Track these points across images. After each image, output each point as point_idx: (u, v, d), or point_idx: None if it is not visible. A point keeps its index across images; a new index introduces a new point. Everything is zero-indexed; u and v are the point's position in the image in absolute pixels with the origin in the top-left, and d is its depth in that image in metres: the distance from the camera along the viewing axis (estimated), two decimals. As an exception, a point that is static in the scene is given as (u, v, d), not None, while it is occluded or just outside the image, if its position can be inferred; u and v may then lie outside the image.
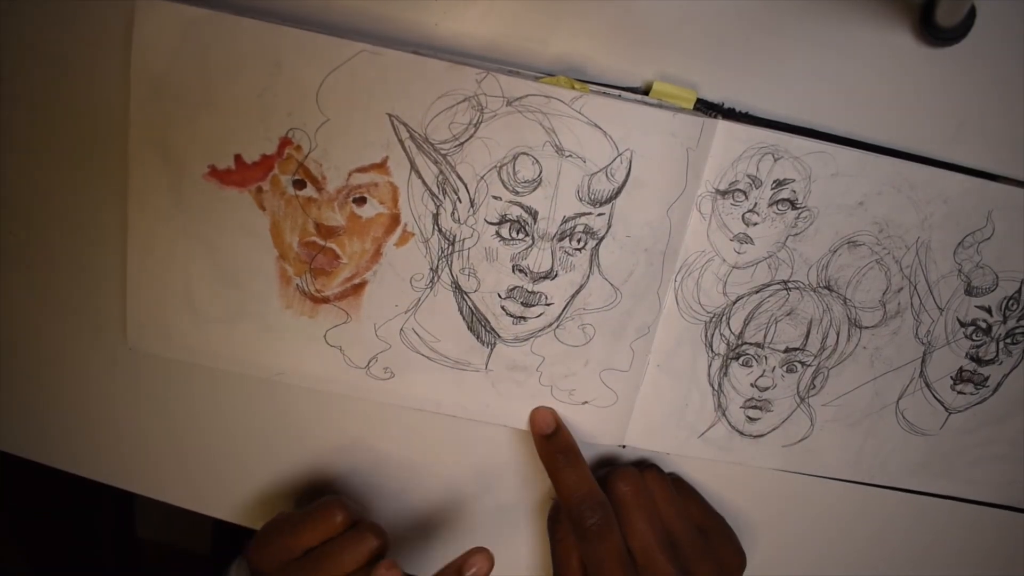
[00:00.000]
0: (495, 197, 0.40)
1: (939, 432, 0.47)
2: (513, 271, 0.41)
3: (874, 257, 0.42)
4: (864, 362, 0.45)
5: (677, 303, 0.43)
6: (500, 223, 0.40)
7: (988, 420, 0.46)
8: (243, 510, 0.49)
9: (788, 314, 0.43)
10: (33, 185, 0.43)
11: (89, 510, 0.93)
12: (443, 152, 0.39)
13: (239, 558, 0.47)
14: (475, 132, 0.39)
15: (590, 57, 0.40)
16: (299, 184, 0.40)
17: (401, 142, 0.39)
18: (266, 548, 0.42)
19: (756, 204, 0.41)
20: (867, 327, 0.44)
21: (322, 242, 0.41)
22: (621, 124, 0.39)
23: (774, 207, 0.41)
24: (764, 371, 0.44)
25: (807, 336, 0.44)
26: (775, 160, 0.40)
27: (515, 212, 0.40)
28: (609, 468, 0.46)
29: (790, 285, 0.43)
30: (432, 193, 0.40)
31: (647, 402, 0.45)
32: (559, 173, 0.39)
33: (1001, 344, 0.45)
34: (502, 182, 0.40)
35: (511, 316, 0.42)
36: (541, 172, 0.39)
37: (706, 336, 0.44)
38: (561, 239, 0.41)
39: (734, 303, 0.43)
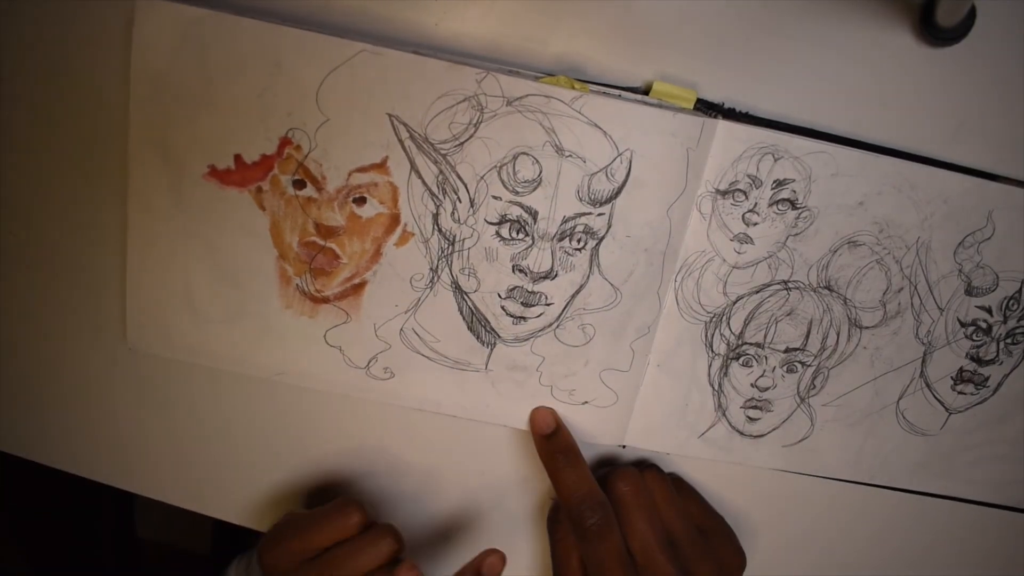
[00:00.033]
0: (495, 197, 0.40)
1: (939, 432, 0.47)
2: (513, 271, 0.41)
3: (874, 257, 0.42)
4: (864, 362, 0.45)
5: (677, 303, 0.43)
6: (500, 223, 0.40)
7: (988, 420, 0.46)
8: (243, 510, 0.49)
9: (788, 314, 0.43)
10: (33, 185, 0.43)
11: (89, 510, 0.93)
12: (443, 152, 0.39)
13: (238, 557, 0.47)
14: (475, 132, 0.39)
15: (590, 57, 0.40)
16: (299, 184, 0.40)
17: (401, 142, 0.39)
18: (280, 547, 0.42)
19: (756, 204, 0.41)
20: (867, 327, 0.44)
21: (322, 242, 0.41)
22: (621, 124, 0.39)
23: (774, 207, 0.41)
24: (764, 371, 0.44)
25: (807, 336, 0.44)
26: (775, 160, 0.40)
27: (515, 212, 0.40)
28: (609, 468, 0.46)
29: (790, 285, 0.43)
30: (432, 193, 0.40)
31: (647, 402, 0.45)
32: (559, 173, 0.39)
33: (1001, 344, 0.45)
34: (502, 182, 0.40)
35: (511, 316, 0.42)
36: (541, 172, 0.39)
37: (706, 336, 0.44)
38: (561, 239, 0.41)
39: (734, 303, 0.43)
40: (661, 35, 0.40)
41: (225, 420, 0.47)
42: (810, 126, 0.41)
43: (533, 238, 0.41)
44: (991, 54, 0.40)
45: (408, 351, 0.43)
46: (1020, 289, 0.43)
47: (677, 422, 0.46)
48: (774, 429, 0.46)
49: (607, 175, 0.39)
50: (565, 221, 0.40)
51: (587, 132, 0.39)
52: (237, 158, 0.40)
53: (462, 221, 0.41)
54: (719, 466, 0.48)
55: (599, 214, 0.40)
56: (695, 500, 0.46)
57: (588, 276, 0.42)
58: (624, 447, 0.47)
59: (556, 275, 0.42)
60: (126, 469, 0.48)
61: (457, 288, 0.42)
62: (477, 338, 0.43)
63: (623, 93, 0.40)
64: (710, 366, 0.44)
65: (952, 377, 0.45)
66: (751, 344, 0.44)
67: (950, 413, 0.46)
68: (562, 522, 0.45)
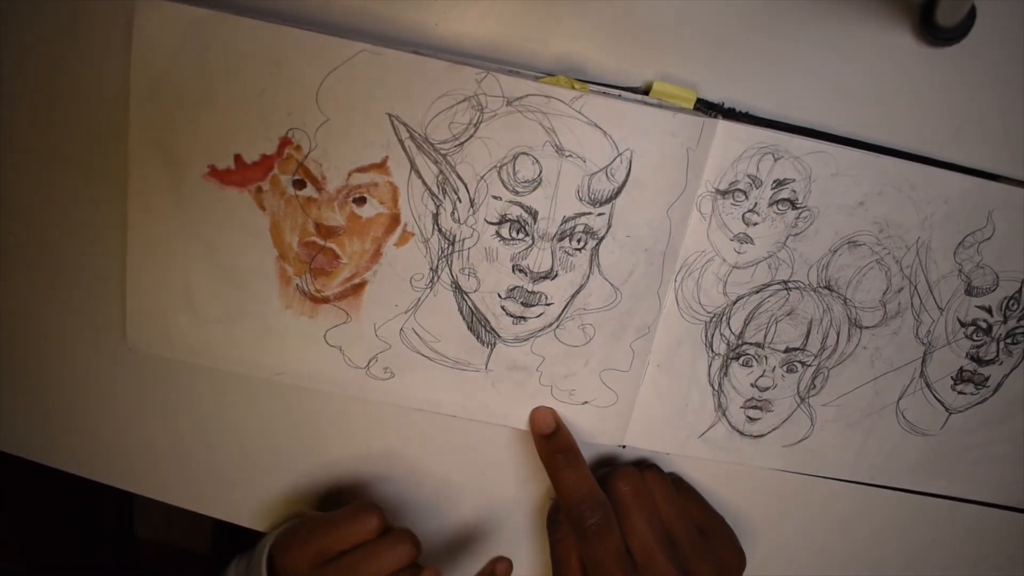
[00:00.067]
0: (495, 197, 0.40)
1: (939, 432, 0.47)
2: (513, 271, 0.41)
3: (874, 257, 0.42)
4: (864, 362, 0.45)
5: (677, 303, 0.43)
6: (500, 223, 0.40)
7: (988, 420, 0.46)
8: (243, 510, 0.49)
9: (788, 314, 0.43)
10: (33, 185, 0.43)
11: (89, 510, 0.93)
12: (443, 152, 0.39)
13: (238, 557, 0.47)
14: (475, 132, 0.39)
15: (590, 57, 0.40)
16: (299, 184, 0.40)
17: (401, 142, 0.39)
18: (298, 549, 0.41)
19: (756, 204, 0.41)
20: (867, 327, 0.44)
21: (322, 242, 0.41)
22: (621, 124, 0.39)
23: (774, 207, 0.41)
24: (764, 371, 0.44)
25: (807, 336, 0.44)
26: (775, 160, 0.40)
27: (515, 212, 0.40)
28: (609, 468, 0.46)
29: (790, 285, 0.43)
30: (432, 193, 0.40)
31: (647, 402, 0.45)
32: (559, 173, 0.39)
33: (1001, 344, 0.45)
34: (502, 182, 0.40)
35: (511, 316, 0.42)
36: (541, 172, 0.39)
37: (706, 336, 0.44)
38: (561, 239, 0.41)
39: (734, 303, 0.43)
40: (661, 35, 0.40)
41: (225, 420, 0.47)
42: (810, 126, 0.41)
43: (533, 238, 0.41)
44: (991, 54, 0.40)
45: (408, 351, 0.43)
46: (1020, 289, 0.43)
47: (677, 422, 0.46)
48: (774, 429, 0.46)
49: (607, 175, 0.39)
50: (565, 221, 0.40)
51: (587, 132, 0.39)
52: (237, 158, 0.40)
53: (462, 221, 0.41)
54: (719, 466, 0.48)
55: (599, 214, 0.40)
56: (695, 500, 0.46)
57: (588, 276, 0.42)
58: (624, 447, 0.47)
59: (556, 275, 0.42)
60: (126, 469, 0.48)
61: (457, 288, 0.42)
62: (477, 338, 0.43)
63: (623, 93, 0.40)
64: (710, 366, 0.44)
65: (952, 377, 0.45)
66: (751, 344, 0.44)
67: (950, 413, 0.46)
68: (561, 522, 0.45)
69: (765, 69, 0.40)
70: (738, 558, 0.45)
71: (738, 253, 0.42)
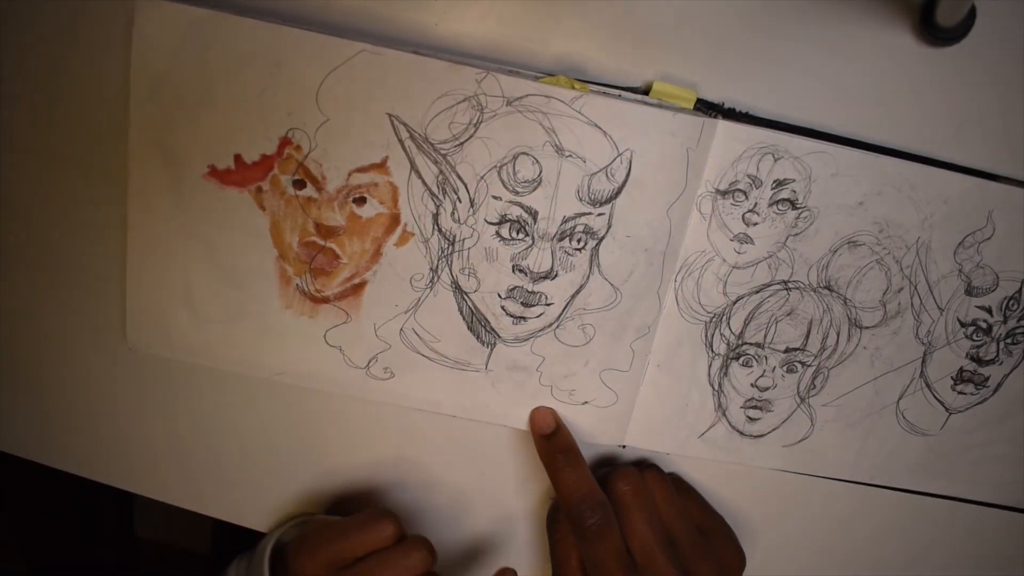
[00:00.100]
0: (495, 197, 0.40)
1: (939, 432, 0.47)
2: (513, 271, 0.41)
3: (874, 257, 0.42)
4: (864, 362, 0.45)
5: (677, 303, 0.43)
6: (500, 223, 0.40)
7: (988, 420, 0.46)
8: (243, 510, 0.49)
9: (788, 314, 0.43)
10: (33, 185, 0.43)
11: (89, 510, 0.93)
12: (443, 152, 0.39)
13: (239, 557, 0.47)
14: (475, 132, 0.39)
15: (590, 57, 0.40)
16: (299, 184, 0.40)
17: (401, 142, 0.39)
18: (314, 553, 0.41)
19: (756, 204, 0.41)
20: (867, 327, 0.44)
21: (322, 242, 0.41)
22: (621, 124, 0.39)
23: (774, 207, 0.41)
24: (764, 371, 0.44)
25: (807, 336, 0.44)
26: (775, 160, 0.40)
27: (515, 212, 0.40)
28: (609, 468, 0.46)
29: (790, 285, 0.43)
30: (432, 193, 0.40)
31: (647, 402, 0.45)
32: (559, 173, 0.39)
33: (1001, 344, 0.45)
34: (502, 182, 0.40)
35: (511, 316, 0.42)
36: (541, 172, 0.39)
37: (706, 336, 0.44)
38: (561, 239, 0.41)
39: (734, 303, 0.43)
40: (661, 35, 0.40)
41: (225, 420, 0.47)
42: (810, 126, 0.41)
43: (533, 238, 0.41)
44: (991, 54, 0.40)
45: (408, 351, 0.43)
46: (1020, 289, 0.43)
47: (677, 422, 0.46)
48: (774, 429, 0.46)
49: (607, 175, 0.39)
50: (565, 221, 0.40)
51: (587, 132, 0.39)
52: (237, 158, 0.40)
53: (462, 221, 0.41)
54: (719, 466, 0.48)
55: (599, 214, 0.40)
56: (695, 500, 0.46)
57: (588, 276, 0.42)
58: (624, 447, 0.47)
59: (556, 275, 0.42)
60: (126, 469, 0.48)
61: (457, 288, 0.42)
62: (477, 338, 0.43)
63: (623, 93, 0.40)
64: (710, 366, 0.44)
65: (952, 377, 0.45)
66: (751, 344, 0.44)
67: (950, 413, 0.46)
68: (561, 522, 0.45)
69: (765, 69, 0.40)
70: (738, 558, 0.45)
71: (738, 253, 0.42)
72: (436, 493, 0.48)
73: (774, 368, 0.44)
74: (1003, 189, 0.41)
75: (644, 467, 0.45)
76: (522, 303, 0.42)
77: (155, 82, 0.38)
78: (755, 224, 0.41)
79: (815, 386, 0.45)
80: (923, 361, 0.45)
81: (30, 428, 0.48)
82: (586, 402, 0.45)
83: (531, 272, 0.41)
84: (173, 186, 0.40)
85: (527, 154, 0.39)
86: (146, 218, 0.41)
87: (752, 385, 0.45)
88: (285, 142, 0.39)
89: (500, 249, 0.41)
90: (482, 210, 0.40)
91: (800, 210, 0.41)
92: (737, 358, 0.44)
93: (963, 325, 0.44)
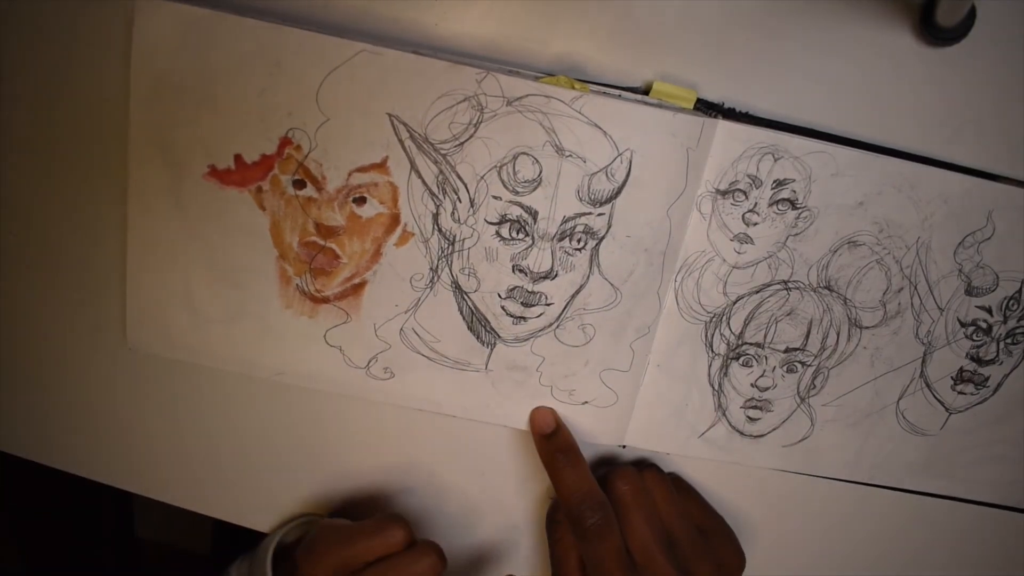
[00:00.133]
0: (495, 197, 0.40)
1: (939, 432, 0.47)
2: (513, 271, 0.41)
3: (874, 257, 0.42)
4: (864, 362, 0.45)
5: (677, 303, 0.43)
6: (500, 223, 0.40)
7: (988, 420, 0.46)
8: (244, 510, 0.49)
9: (788, 314, 0.43)
10: (33, 185, 0.43)
11: (89, 510, 0.93)
12: (443, 152, 0.39)
13: (240, 558, 0.47)
14: (475, 132, 0.39)
15: (590, 57, 0.40)
16: (299, 184, 0.40)
17: (401, 142, 0.39)
18: (322, 558, 0.41)
19: (756, 204, 0.41)
20: (867, 327, 0.44)
21: (322, 242, 0.41)
22: (621, 124, 0.39)
23: (774, 207, 0.41)
24: (764, 371, 0.44)
25: (807, 336, 0.44)
26: (775, 160, 0.40)
27: (515, 212, 0.40)
28: (608, 468, 0.46)
29: (790, 285, 0.43)
30: (432, 193, 0.40)
31: (647, 402, 0.45)
32: (559, 173, 0.39)
33: (1001, 344, 0.45)
34: (502, 182, 0.40)
35: (511, 316, 0.42)
36: (541, 172, 0.39)
37: (706, 336, 0.44)
38: (561, 239, 0.41)
39: (734, 303, 0.43)
40: (661, 35, 0.40)
41: (225, 420, 0.47)
42: (810, 126, 0.41)
43: (533, 238, 0.41)
44: (991, 54, 0.40)
45: (408, 351, 0.43)
46: (1020, 289, 0.43)
47: (677, 422, 0.46)
48: (774, 429, 0.46)
49: (607, 175, 0.39)
50: (565, 221, 0.40)
51: (587, 132, 0.39)
52: (237, 158, 0.40)
53: (462, 221, 0.41)
54: (719, 466, 0.48)
55: (599, 214, 0.40)
56: (695, 500, 0.46)
57: (588, 276, 0.42)
58: (624, 447, 0.47)
59: (556, 275, 0.42)
60: (126, 469, 0.48)
61: (457, 288, 0.42)
62: (477, 338, 0.43)
63: (623, 93, 0.40)
64: (710, 366, 0.44)
65: (952, 377, 0.45)
66: (751, 344, 0.44)
67: (950, 413, 0.46)
68: (560, 522, 0.45)
69: (765, 69, 0.40)
70: (738, 558, 0.45)
71: (738, 253, 0.42)
72: (436, 493, 0.48)
73: (774, 368, 0.44)
74: (1003, 189, 0.41)
75: (644, 467, 0.45)
76: (522, 303, 0.42)
77: (155, 82, 0.38)
78: (755, 224, 0.41)
79: (815, 386, 0.45)
80: (923, 361, 0.45)
81: (30, 428, 0.48)
82: (586, 402, 0.45)
83: (531, 272, 0.41)
84: (173, 186, 0.40)
85: (527, 154, 0.39)
86: (146, 218, 0.41)
87: (752, 385, 0.45)
88: (285, 142, 0.39)
89: (500, 249, 0.41)
90: (482, 210, 0.40)
91: (800, 210, 0.41)
92: (737, 358, 0.44)
93: (963, 325, 0.44)
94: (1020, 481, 0.48)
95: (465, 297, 0.42)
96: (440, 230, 0.41)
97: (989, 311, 0.44)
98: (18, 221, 0.43)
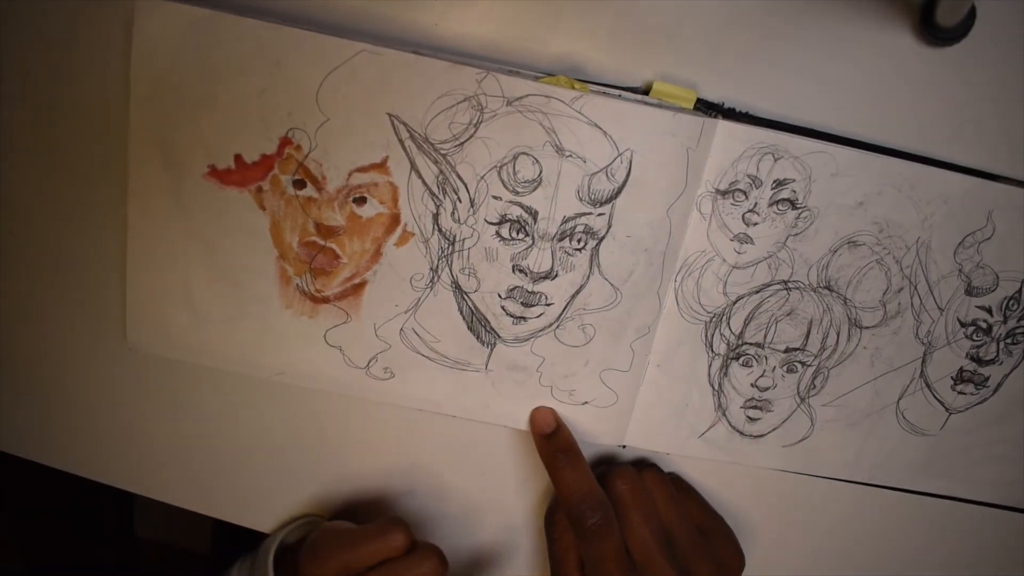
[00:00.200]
0: (495, 197, 0.40)
1: (939, 432, 0.47)
2: (513, 271, 0.41)
3: (874, 257, 0.42)
4: (864, 362, 0.45)
5: (677, 303, 0.43)
6: (500, 223, 0.40)
7: (988, 420, 0.46)
8: (244, 510, 0.49)
9: (788, 314, 0.43)
10: (33, 185, 0.43)
11: (89, 510, 0.93)
12: (443, 152, 0.39)
13: (241, 559, 0.47)
14: (475, 132, 0.39)
15: (590, 57, 0.40)
16: (299, 184, 0.40)
17: (401, 142, 0.39)
18: (324, 562, 0.41)
19: (756, 204, 0.41)
20: (867, 327, 0.44)
21: (322, 242, 0.41)
22: (621, 124, 0.39)
23: (774, 207, 0.41)
24: (764, 371, 0.44)
25: (807, 336, 0.44)
26: (775, 160, 0.40)
27: (515, 212, 0.40)
28: (606, 467, 0.46)
29: (790, 285, 0.43)
30: (432, 193, 0.40)
31: (647, 402, 0.45)
32: (559, 173, 0.39)
33: (1001, 344, 0.45)
34: (502, 182, 0.40)
35: (511, 316, 0.42)
36: (541, 172, 0.39)
37: (706, 336, 0.44)
38: (561, 239, 0.41)
39: (734, 303, 0.43)
40: (661, 35, 0.40)
41: (225, 420, 0.47)
42: (810, 126, 0.41)
43: (533, 238, 0.41)
44: (991, 54, 0.40)
45: (408, 351, 0.43)
46: (1020, 289, 0.43)
47: (677, 422, 0.46)
48: (774, 429, 0.46)
49: (607, 175, 0.39)
50: (565, 221, 0.40)
51: (587, 132, 0.39)
52: (237, 158, 0.40)
53: (462, 221, 0.41)
54: (719, 466, 0.48)
55: (599, 214, 0.40)
56: (695, 500, 0.46)
57: (588, 276, 0.42)
58: (624, 447, 0.47)
59: (556, 275, 0.42)
60: (126, 469, 0.48)
61: (457, 288, 0.42)
62: (477, 338, 0.43)
63: (623, 93, 0.40)
64: (710, 366, 0.44)
65: (952, 377, 0.45)
66: (751, 344, 0.44)
67: (950, 413, 0.46)
68: (559, 521, 0.45)
69: (765, 69, 0.40)
70: (738, 558, 0.45)
71: (738, 253, 0.42)
72: (436, 494, 0.48)
73: (774, 368, 0.44)
74: (1003, 189, 0.41)
75: (643, 467, 0.45)
76: (522, 303, 0.42)
77: (155, 82, 0.38)
78: (755, 224, 0.41)
79: (815, 386, 0.45)
80: (923, 361, 0.45)
81: (30, 428, 0.48)
82: (586, 402, 0.45)
83: (531, 272, 0.41)
84: (173, 186, 0.40)
85: (527, 154, 0.39)
86: (146, 218, 0.41)
87: (752, 385, 0.45)
88: (285, 142, 0.39)
89: (500, 249, 0.41)
90: (482, 210, 0.40)
91: (800, 210, 0.41)
92: (737, 358, 0.44)
93: (963, 325, 0.44)
94: (1020, 481, 0.48)
95: (465, 297, 0.42)
96: (440, 230, 0.41)
97: (989, 311, 0.44)
98: (18, 221, 0.43)
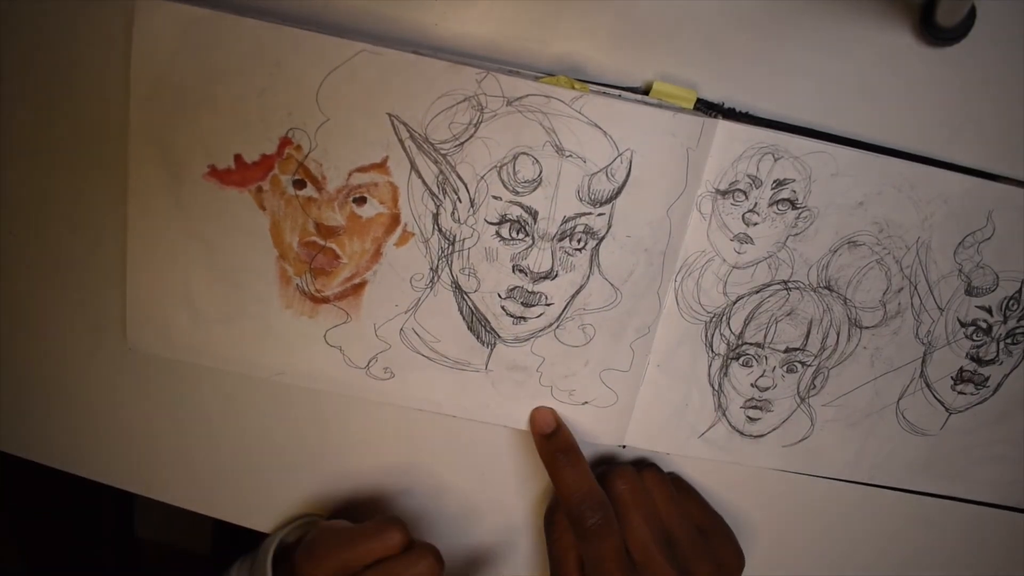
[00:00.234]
0: (495, 197, 0.40)
1: (939, 432, 0.47)
2: (513, 271, 0.41)
3: (874, 257, 0.42)
4: (864, 362, 0.45)
5: (677, 303, 0.43)
6: (500, 223, 0.40)
7: (988, 420, 0.46)
8: (244, 510, 0.49)
9: (788, 314, 0.43)
10: (33, 185, 0.43)
11: (89, 510, 0.93)
12: (443, 152, 0.39)
13: (240, 559, 0.47)
14: (475, 132, 0.39)
15: (590, 57, 0.40)
16: (299, 184, 0.40)
17: (401, 142, 0.39)
18: (321, 561, 0.41)
19: (756, 204, 0.41)
20: (867, 327, 0.44)
21: (322, 242, 0.41)
22: (621, 124, 0.39)
23: (774, 207, 0.41)
24: (764, 371, 0.44)
25: (807, 336, 0.44)
26: (775, 160, 0.40)
27: (515, 212, 0.40)
28: (606, 466, 0.46)
29: (790, 285, 0.43)
30: (432, 193, 0.40)
31: (647, 402, 0.45)
32: (559, 173, 0.39)
33: (1001, 344, 0.45)
34: (502, 182, 0.40)
35: (511, 316, 0.42)
36: (541, 172, 0.39)
37: (706, 336, 0.44)
38: (561, 239, 0.41)
39: (734, 303, 0.43)
40: (661, 35, 0.40)
41: (225, 420, 0.47)
42: (810, 126, 0.41)
43: (533, 238, 0.41)
44: (991, 54, 0.40)
45: (408, 351, 0.43)
46: (1020, 289, 0.43)
47: (677, 422, 0.46)
48: (774, 429, 0.46)
49: (607, 175, 0.39)
50: (565, 221, 0.40)
51: (587, 132, 0.39)
52: (237, 158, 0.40)
53: (462, 221, 0.41)
54: (719, 466, 0.48)
55: (599, 214, 0.40)
56: (694, 500, 0.46)
57: (588, 276, 0.42)
58: (624, 447, 0.47)
59: (556, 275, 0.42)
60: (126, 469, 0.48)
61: (457, 288, 0.42)
62: (477, 338, 0.43)
63: (623, 93, 0.40)
64: (710, 366, 0.44)
65: (952, 377, 0.45)
66: (751, 344, 0.44)
67: (950, 413, 0.46)
68: (559, 521, 0.45)
69: (765, 69, 0.40)
70: (737, 558, 0.45)
71: (738, 253, 0.42)
72: (436, 494, 0.48)
73: (774, 368, 0.44)
74: (1003, 189, 0.41)
75: (643, 467, 0.45)
76: (522, 303, 0.42)
77: (155, 82, 0.38)
78: (755, 224, 0.41)
79: (815, 386, 0.45)
80: (923, 361, 0.45)
81: (30, 428, 0.48)
82: (586, 402, 0.45)
83: (531, 272, 0.41)
84: (173, 186, 0.40)
85: (527, 154, 0.39)
86: (146, 218, 0.41)
87: (752, 385, 0.45)
88: (285, 142, 0.39)
89: (500, 249, 0.41)
90: (482, 210, 0.40)
91: (800, 210, 0.41)
92: (737, 358, 0.44)
93: (963, 325, 0.44)
94: (1020, 481, 0.48)
95: (465, 297, 0.42)
96: (440, 230, 0.41)
97: (989, 311, 0.44)
98: (18, 221, 0.43)
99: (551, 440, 0.44)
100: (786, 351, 0.44)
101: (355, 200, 0.40)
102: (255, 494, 0.49)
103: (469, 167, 0.39)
